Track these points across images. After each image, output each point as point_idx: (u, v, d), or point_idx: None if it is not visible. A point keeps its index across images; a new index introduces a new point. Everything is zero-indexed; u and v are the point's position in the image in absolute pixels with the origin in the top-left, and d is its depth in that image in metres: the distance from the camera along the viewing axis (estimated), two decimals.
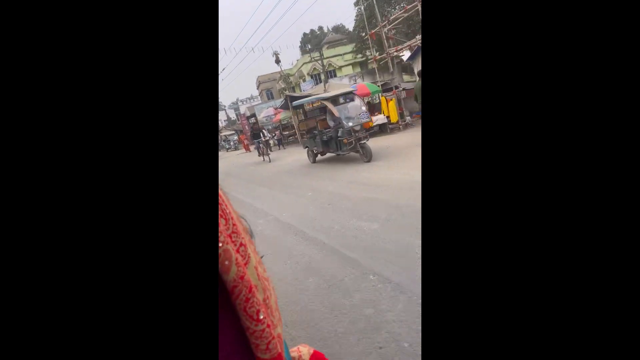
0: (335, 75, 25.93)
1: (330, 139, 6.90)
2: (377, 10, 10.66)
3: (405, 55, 17.84)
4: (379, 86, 11.98)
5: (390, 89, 11.77)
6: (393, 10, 16.09)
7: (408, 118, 11.74)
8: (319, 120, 7.41)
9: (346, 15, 65.81)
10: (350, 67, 27.76)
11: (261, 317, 0.38)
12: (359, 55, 23.65)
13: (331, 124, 6.74)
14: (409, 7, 9.36)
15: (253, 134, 10.60)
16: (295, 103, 8.73)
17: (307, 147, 8.27)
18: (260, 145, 10.37)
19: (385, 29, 10.75)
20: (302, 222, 3.95)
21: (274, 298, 0.45)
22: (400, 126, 11.24)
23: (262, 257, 0.47)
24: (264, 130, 10.92)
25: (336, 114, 5.92)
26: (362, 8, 12.17)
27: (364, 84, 11.53)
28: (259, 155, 10.83)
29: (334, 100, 6.41)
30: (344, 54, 28.19)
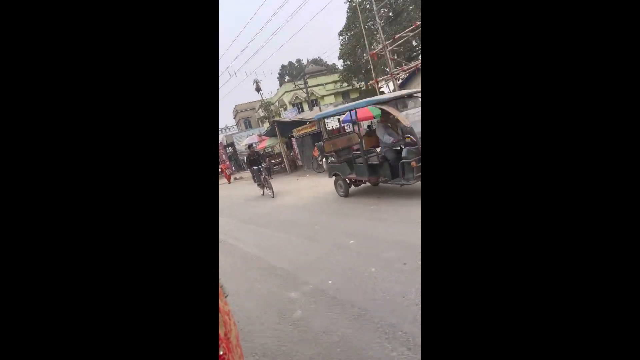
0: (317, 104, 25.27)
1: (383, 161, 4.80)
2: (380, 28, 9.86)
3: (384, 88, 17.31)
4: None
5: None
6: (383, 33, 15.60)
7: None
8: (365, 137, 5.40)
9: (324, 49, 67.67)
10: (333, 96, 27.37)
11: (221, 352, 0.39)
12: (345, 84, 23.13)
13: (386, 140, 4.71)
14: (418, 23, 8.57)
15: (250, 161, 8.70)
16: (320, 115, 6.52)
17: (335, 174, 5.95)
18: (262, 173, 8.24)
19: (388, 49, 9.88)
20: (379, 300, 2.25)
21: (235, 333, 0.47)
22: None
23: (226, 296, 0.48)
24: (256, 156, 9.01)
25: (406, 122, 3.98)
26: (362, 27, 11.42)
27: (367, 108, 10.39)
28: (259, 187, 8.59)
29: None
30: (326, 83, 27.89)
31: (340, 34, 21.31)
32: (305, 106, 25.22)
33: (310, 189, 7.77)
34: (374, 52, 10.25)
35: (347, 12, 20.21)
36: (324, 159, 9.39)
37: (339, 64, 23.77)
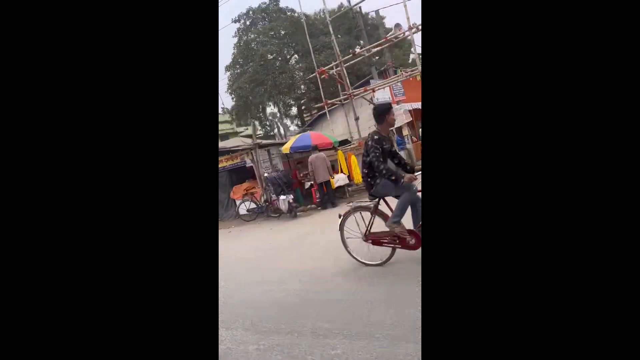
0: None
1: None
2: (335, 45, 8.27)
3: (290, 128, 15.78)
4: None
5: (347, 141, 8.99)
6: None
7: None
8: None
9: None
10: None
11: None
12: (240, 124, 20.38)
13: None
14: (384, 39, 7.52)
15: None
16: None
17: None
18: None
19: (335, 70, 8.39)
20: None
21: None
22: None
23: None
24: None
25: None
26: (314, 47, 9.55)
27: (320, 133, 8.30)
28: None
29: None
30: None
31: (228, 68, 19.04)
32: None
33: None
34: (324, 68, 8.51)
35: (234, 46, 18.48)
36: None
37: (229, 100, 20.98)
